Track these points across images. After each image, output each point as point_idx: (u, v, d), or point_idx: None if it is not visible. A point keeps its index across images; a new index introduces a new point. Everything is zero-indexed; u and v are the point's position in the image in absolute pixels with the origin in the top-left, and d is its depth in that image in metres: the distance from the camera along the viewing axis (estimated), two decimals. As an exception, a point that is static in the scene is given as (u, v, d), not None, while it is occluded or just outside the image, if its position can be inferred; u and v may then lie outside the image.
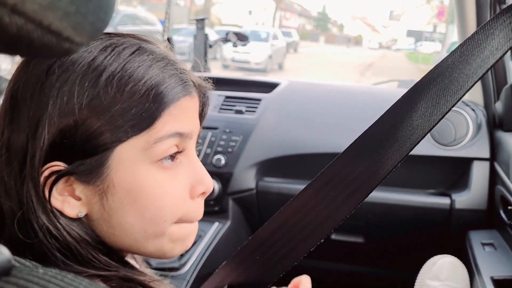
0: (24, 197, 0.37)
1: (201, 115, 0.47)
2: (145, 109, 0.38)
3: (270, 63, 12.40)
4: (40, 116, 0.37)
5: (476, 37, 0.47)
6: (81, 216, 0.40)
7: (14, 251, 0.37)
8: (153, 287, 0.42)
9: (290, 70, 13.66)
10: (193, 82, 0.44)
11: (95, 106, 0.37)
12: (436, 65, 0.49)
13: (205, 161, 1.32)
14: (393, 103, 0.51)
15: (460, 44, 0.48)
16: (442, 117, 0.48)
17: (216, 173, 1.31)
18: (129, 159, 0.39)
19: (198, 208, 0.46)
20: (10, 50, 0.22)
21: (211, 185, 0.46)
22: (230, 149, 1.32)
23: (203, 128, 0.49)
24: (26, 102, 0.38)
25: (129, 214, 0.41)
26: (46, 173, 0.38)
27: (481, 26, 0.48)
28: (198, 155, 0.47)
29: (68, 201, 0.39)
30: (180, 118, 0.41)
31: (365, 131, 0.51)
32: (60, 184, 0.39)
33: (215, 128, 1.37)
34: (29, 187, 0.37)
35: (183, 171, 0.43)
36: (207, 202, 0.51)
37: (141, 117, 0.38)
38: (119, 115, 0.38)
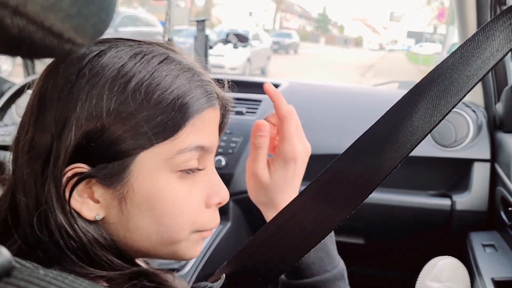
0: (43, 196, 0.38)
1: (220, 127, 0.48)
2: (170, 118, 0.39)
3: (249, 68, 10.66)
4: (67, 118, 0.37)
5: (476, 38, 0.47)
6: (99, 219, 0.40)
7: (26, 249, 0.37)
8: (165, 278, 0.43)
9: (276, 75, 11.50)
10: (217, 94, 0.45)
11: (122, 112, 0.38)
12: (437, 66, 0.49)
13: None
14: (394, 104, 0.51)
15: (461, 45, 0.48)
16: (443, 118, 0.48)
17: None
18: (150, 167, 0.40)
19: (213, 217, 0.47)
20: (12, 51, 0.22)
21: (227, 196, 0.47)
22: (230, 150, 1.32)
23: None
24: (53, 102, 0.38)
25: (146, 220, 0.41)
26: (69, 174, 0.38)
27: (482, 27, 0.47)
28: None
29: (87, 203, 0.40)
30: (203, 130, 0.42)
31: (365, 132, 0.51)
32: (81, 186, 0.39)
33: None
34: (50, 187, 0.37)
35: (200, 182, 0.44)
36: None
37: (166, 126, 0.39)
38: (145, 122, 0.38)
